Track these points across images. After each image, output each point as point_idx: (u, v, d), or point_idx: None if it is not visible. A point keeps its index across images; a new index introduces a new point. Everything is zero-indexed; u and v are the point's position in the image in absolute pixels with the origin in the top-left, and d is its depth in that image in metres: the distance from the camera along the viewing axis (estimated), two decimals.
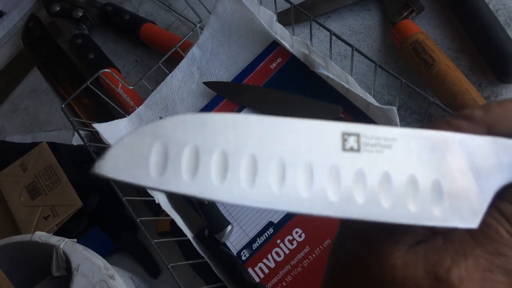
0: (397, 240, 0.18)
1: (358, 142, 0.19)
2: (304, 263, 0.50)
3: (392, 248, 0.18)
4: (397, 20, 0.62)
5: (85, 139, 0.64)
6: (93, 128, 0.62)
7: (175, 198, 0.59)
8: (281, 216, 0.53)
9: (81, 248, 0.50)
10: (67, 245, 0.49)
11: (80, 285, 0.46)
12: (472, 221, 0.17)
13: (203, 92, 0.65)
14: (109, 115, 0.73)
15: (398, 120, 0.51)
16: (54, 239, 0.50)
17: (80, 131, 0.64)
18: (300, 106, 0.58)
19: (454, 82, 0.54)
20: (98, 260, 0.48)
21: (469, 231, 0.18)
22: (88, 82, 0.64)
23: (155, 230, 0.62)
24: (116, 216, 0.64)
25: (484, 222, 0.18)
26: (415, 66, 0.58)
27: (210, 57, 0.66)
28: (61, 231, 0.62)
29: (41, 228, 0.60)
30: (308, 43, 0.60)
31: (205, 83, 0.65)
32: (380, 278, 0.17)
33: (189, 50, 0.66)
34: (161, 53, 0.71)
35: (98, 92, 0.66)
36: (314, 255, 0.50)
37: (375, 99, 0.55)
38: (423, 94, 0.49)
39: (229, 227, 0.54)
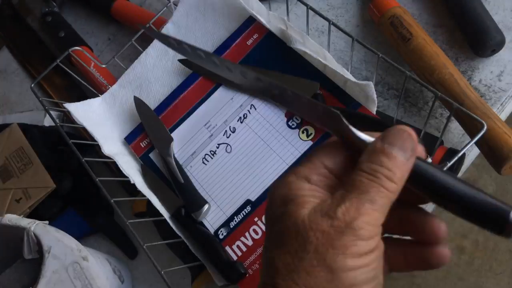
0: (302, 206, 0.26)
1: None
2: None
3: (300, 210, 0.26)
4: None
5: (57, 119, 0.62)
6: (65, 108, 0.60)
7: (151, 178, 0.57)
8: (259, 194, 0.53)
9: (53, 230, 0.48)
10: (38, 227, 0.48)
11: (52, 267, 0.45)
12: None
13: (178, 70, 0.63)
14: (82, 95, 0.71)
15: (375, 96, 0.51)
16: (24, 222, 0.48)
17: (52, 112, 0.62)
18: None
19: (431, 57, 0.54)
20: (70, 241, 0.47)
21: (345, 189, 0.26)
22: (58, 61, 0.62)
23: (131, 211, 0.61)
24: (91, 198, 0.63)
25: (351, 179, 0.26)
26: (393, 41, 0.58)
27: (185, 34, 0.64)
28: (35, 214, 0.60)
29: (13, 211, 0.59)
30: (285, 18, 0.58)
31: (180, 60, 0.63)
32: (297, 231, 0.25)
33: (163, 27, 0.64)
34: (134, 30, 0.69)
35: (70, 71, 0.64)
36: None
37: (353, 75, 0.54)
38: (400, 68, 0.49)
39: (206, 206, 0.53)
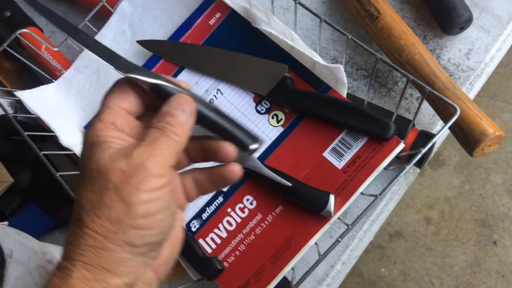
0: (106, 147, 0.30)
1: None
2: (257, 231, 0.49)
3: (104, 151, 0.29)
4: None
5: (10, 108, 0.58)
6: (17, 96, 0.56)
7: None
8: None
9: (13, 232, 0.46)
10: None
11: (16, 273, 0.42)
12: None
13: (137, 52, 0.60)
14: (35, 80, 0.67)
15: (345, 79, 0.49)
16: None
17: (3, 100, 0.58)
18: (243, 65, 0.55)
19: (400, 36, 0.53)
20: (33, 244, 0.44)
21: (141, 139, 0.31)
22: (5, 45, 0.57)
23: None
24: (53, 191, 0.60)
25: (146, 132, 0.31)
26: (360, 19, 0.56)
27: (142, 13, 0.60)
28: None
29: None
30: None
31: (139, 41, 0.59)
32: (100, 171, 0.29)
33: (118, 5, 0.60)
34: (87, 9, 0.65)
35: (18, 56, 0.59)
36: (267, 222, 0.49)
37: (320, 55, 0.53)
38: (370, 51, 0.47)
39: None
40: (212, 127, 0.33)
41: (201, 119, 0.33)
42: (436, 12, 0.55)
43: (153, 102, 0.33)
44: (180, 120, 0.31)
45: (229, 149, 0.34)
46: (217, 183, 0.36)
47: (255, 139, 0.34)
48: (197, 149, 0.35)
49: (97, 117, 0.32)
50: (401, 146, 0.46)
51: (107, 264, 0.28)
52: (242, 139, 0.34)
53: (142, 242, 0.29)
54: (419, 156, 0.43)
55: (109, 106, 0.32)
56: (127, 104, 0.32)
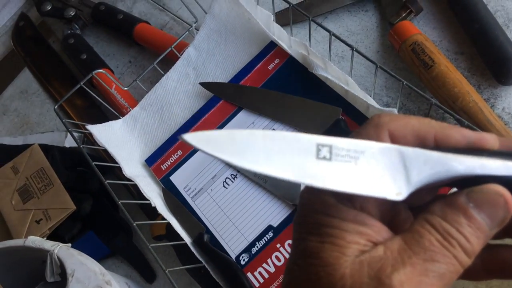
0: (343, 252, 0.20)
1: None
2: None
3: (339, 260, 0.20)
4: (396, 21, 0.62)
5: (78, 141, 0.62)
6: (86, 129, 0.61)
7: (172, 202, 0.57)
8: (281, 220, 0.53)
9: (76, 253, 0.48)
10: (62, 250, 0.48)
11: None
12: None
13: (199, 93, 0.64)
14: (102, 117, 0.72)
15: None
16: (48, 244, 0.48)
17: (73, 133, 0.63)
18: (299, 108, 0.57)
19: (454, 84, 0.54)
20: (94, 265, 0.47)
21: (405, 242, 0.21)
22: (82, 83, 0.63)
23: (150, 234, 0.61)
24: (110, 220, 0.63)
25: (417, 232, 0.21)
26: (414, 68, 0.58)
27: (206, 58, 0.65)
28: (54, 235, 0.60)
29: (33, 232, 0.59)
30: (307, 43, 0.59)
31: (201, 83, 0.63)
32: (330, 284, 0.20)
33: (184, 51, 0.65)
34: (155, 54, 0.70)
35: (92, 93, 0.65)
36: None
37: (374, 101, 0.55)
38: (424, 96, 0.49)
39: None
40: None
41: None
42: (490, 62, 0.56)
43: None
44: (481, 233, 0.20)
45: None
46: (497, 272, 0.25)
47: None
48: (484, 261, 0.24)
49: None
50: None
51: None
52: None
53: None
54: None
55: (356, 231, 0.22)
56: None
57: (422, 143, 0.23)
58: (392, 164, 0.22)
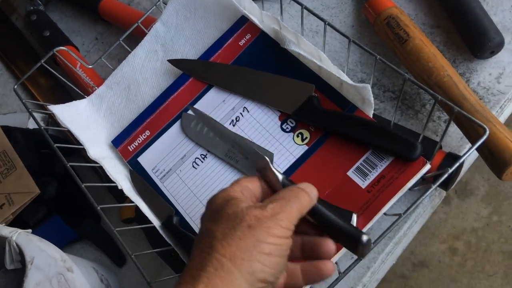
0: (242, 201, 0.36)
1: None
2: None
3: (239, 204, 0.36)
4: None
5: (42, 122, 0.60)
6: (50, 110, 0.58)
7: (140, 184, 0.55)
8: None
9: (36, 239, 0.46)
10: (21, 236, 0.46)
11: (35, 279, 0.43)
12: None
13: (167, 70, 0.61)
14: (68, 96, 0.69)
15: (372, 99, 0.49)
16: (6, 230, 0.46)
17: (37, 114, 0.60)
18: (271, 84, 0.55)
19: (428, 58, 0.52)
20: (54, 251, 0.45)
21: (273, 197, 0.37)
22: (43, 61, 0.60)
23: (119, 217, 0.59)
24: (77, 203, 0.61)
25: (278, 193, 0.38)
26: (389, 42, 0.56)
27: (174, 34, 0.62)
28: (18, 220, 0.58)
29: None
30: (279, 18, 0.57)
31: (169, 60, 0.61)
32: (235, 213, 0.35)
33: (152, 26, 0.62)
34: (122, 30, 0.67)
35: (54, 72, 0.62)
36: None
37: (348, 77, 0.53)
38: (398, 71, 0.47)
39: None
40: (323, 222, 0.38)
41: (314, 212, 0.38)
42: (466, 36, 0.55)
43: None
44: (308, 196, 0.38)
45: (330, 245, 0.38)
46: (309, 276, 0.39)
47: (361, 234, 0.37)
48: (297, 246, 0.39)
49: (227, 188, 0.38)
50: (427, 167, 0.45)
51: None
52: (351, 233, 0.37)
53: (261, 276, 0.33)
54: (445, 176, 0.41)
55: (240, 184, 0.39)
56: (254, 188, 0.39)
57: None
58: None
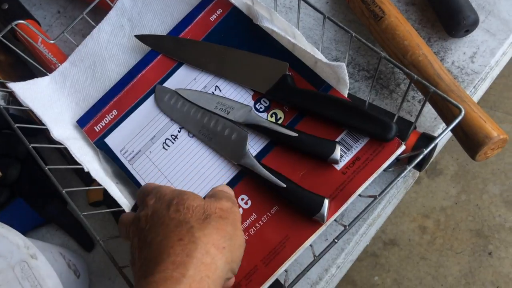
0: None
1: None
2: (251, 231, 0.47)
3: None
4: None
5: (3, 101, 0.56)
6: (10, 88, 0.55)
7: (113, 166, 0.53)
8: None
9: None
10: None
11: None
12: None
13: (135, 46, 0.59)
14: (30, 74, 0.66)
15: (347, 78, 0.48)
16: None
17: None
18: (243, 62, 0.54)
19: (404, 37, 0.51)
20: (17, 238, 0.42)
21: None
22: (0, 35, 0.56)
23: (86, 200, 0.57)
24: (42, 186, 0.58)
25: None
26: (364, 19, 0.55)
27: (142, 8, 0.59)
28: None
29: None
30: None
31: (137, 36, 0.58)
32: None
33: (117, 0, 0.59)
34: (86, 3, 0.64)
35: (14, 48, 0.58)
36: (261, 223, 0.47)
37: (323, 55, 0.51)
38: (374, 49, 0.46)
39: None
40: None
41: None
42: (441, 14, 0.54)
43: None
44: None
45: None
46: None
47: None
48: None
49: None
50: (402, 148, 0.44)
51: None
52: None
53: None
54: (421, 156, 0.41)
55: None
56: None
57: None
58: None
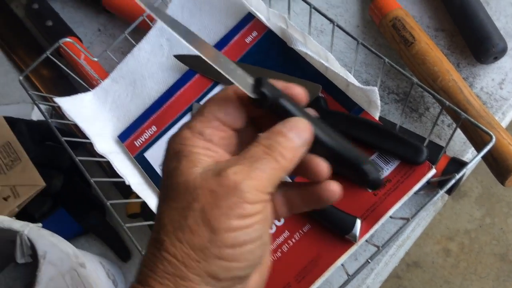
0: (195, 165, 0.27)
1: None
2: (284, 248, 0.49)
3: (192, 169, 0.27)
4: None
5: (46, 114, 0.60)
6: (54, 102, 0.58)
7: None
8: None
9: (47, 233, 0.47)
10: (32, 230, 0.46)
11: (48, 274, 0.43)
12: None
13: (173, 66, 0.61)
14: (71, 88, 0.69)
15: (379, 101, 0.50)
16: (17, 224, 0.46)
17: (41, 106, 0.60)
18: None
19: (434, 62, 0.53)
20: (67, 247, 0.45)
21: (240, 154, 0.28)
22: (48, 53, 0.59)
23: (124, 212, 0.59)
24: (82, 197, 0.61)
25: (248, 147, 0.28)
26: (395, 44, 0.57)
27: None
28: (23, 213, 0.58)
29: (0, 210, 0.56)
30: (286, 16, 0.57)
31: (175, 56, 0.61)
32: (187, 188, 0.26)
33: (156, 21, 0.62)
34: (126, 22, 0.67)
35: (59, 63, 0.61)
36: (294, 240, 0.49)
37: (354, 78, 0.54)
38: (406, 75, 0.48)
39: None
40: (332, 158, 0.30)
41: (318, 148, 0.29)
42: (470, 40, 0.56)
43: (261, 116, 0.30)
44: (293, 145, 0.28)
45: (321, 165, 0.29)
46: (310, 202, 0.31)
47: (377, 170, 0.31)
48: (279, 204, 0.31)
49: (186, 124, 0.29)
50: (433, 171, 0.46)
51: None
52: (367, 172, 0.30)
53: (226, 276, 0.26)
54: (453, 181, 0.43)
55: (202, 114, 0.29)
56: (224, 113, 0.29)
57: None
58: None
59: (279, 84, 0.30)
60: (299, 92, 0.31)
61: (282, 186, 0.31)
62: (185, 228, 0.25)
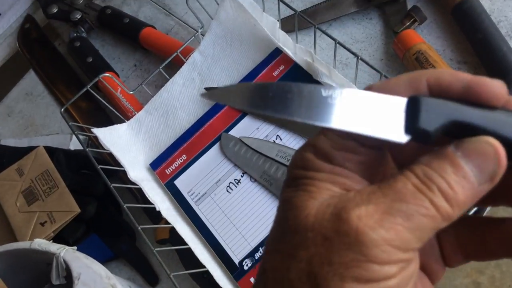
0: (313, 197, 0.20)
1: None
2: None
3: (308, 202, 0.20)
4: (400, 30, 0.62)
5: (84, 143, 0.63)
6: (91, 132, 0.61)
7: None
8: None
9: (82, 256, 0.49)
10: (68, 253, 0.48)
11: None
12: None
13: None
14: (107, 120, 0.72)
15: None
16: (54, 247, 0.49)
17: (78, 136, 0.63)
18: None
19: None
20: (99, 268, 0.47)
21: (379, 186, 0.20)
22: (89, 86, 0.63)
23: (153, 238, 0.61)
24: (114, 223, 0.63)
25: (394, 178, 0.19)
26: None
27: (211, 63, 0.65)
28: (58, 238, 0.60)
29: (37, 234, 0.59)
30: (312, 51, 0.59)
31: (206, 88, 0.64)
32: (296, 227, 0.20)
33: (190, 56, 0.66)
34: (160, 58, 0.71)
35: (97, 96, 0.65)
36: None
37: None
38: None
39: None
40: None
41: None
42: (493, 72, 0.57)
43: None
44: (467, 183, 0.19)
45: None
46: (502, 251, 0.23)
47: None
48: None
49: (311, 141, 0.22)
50: None
51: None
52: None
53: None
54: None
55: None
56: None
57: (416, 90, 0.21)
58: (397, 109, 0.21)
59: (458, 81, 0.20)
60: (493, 89, 0.20)
61: (457, 226, 0.21)
62: (285, 282, 0.19)
